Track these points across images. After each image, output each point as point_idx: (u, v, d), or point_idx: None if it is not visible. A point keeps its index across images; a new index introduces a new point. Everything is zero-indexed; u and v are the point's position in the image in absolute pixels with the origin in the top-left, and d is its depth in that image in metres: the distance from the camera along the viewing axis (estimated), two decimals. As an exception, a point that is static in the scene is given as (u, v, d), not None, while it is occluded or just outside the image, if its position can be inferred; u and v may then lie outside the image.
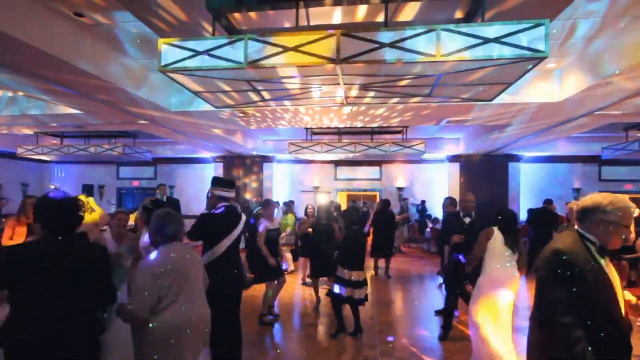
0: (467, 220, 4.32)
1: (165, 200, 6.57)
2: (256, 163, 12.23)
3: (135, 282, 2.13)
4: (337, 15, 3.44)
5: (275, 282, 4.77)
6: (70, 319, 1.84)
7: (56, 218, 1.92)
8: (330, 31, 2.69)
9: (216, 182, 3.44)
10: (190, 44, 2.89)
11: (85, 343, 1.89)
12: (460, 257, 4.01)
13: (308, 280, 6.56)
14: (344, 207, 8.19)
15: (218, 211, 3.29)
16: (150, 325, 2.08)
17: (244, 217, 3.40)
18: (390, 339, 4.29)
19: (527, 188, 11.45)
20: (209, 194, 3.39)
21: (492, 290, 3.29)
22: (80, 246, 1.96)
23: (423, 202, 11.85)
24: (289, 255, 7.56)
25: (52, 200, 1.95)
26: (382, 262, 7.72)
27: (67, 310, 1.83)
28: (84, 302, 1.91)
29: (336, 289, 4.19)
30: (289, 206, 7.20)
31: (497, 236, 3.34)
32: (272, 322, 4.72)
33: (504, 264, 3.30)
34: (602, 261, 1.73)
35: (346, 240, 4.33)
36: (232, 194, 3.44)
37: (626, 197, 1.75)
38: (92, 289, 1.95)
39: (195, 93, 3.68)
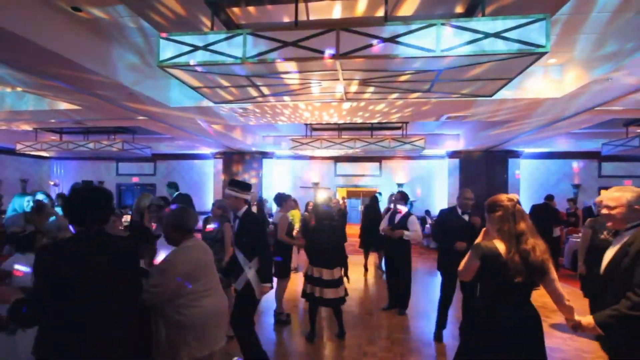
0: (465, 217, 4.09)
1: (176, 196, 6.54)
2: (255, 159, 12.22)
3: (162, 271, 2.18)
4: (336, 10, 3.42)
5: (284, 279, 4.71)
6: (115, 321, 1.71)
7: (79, 211, 1.78)
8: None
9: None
10: (189, 39, 2.87)
11: (129, 348, 1.77)
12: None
13: None
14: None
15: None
16: (189, 315, 2.20)
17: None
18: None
19: (527, 184, 11.46)
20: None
21: None
22: (111, 240, 1.81)
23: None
24: None
25: (74, 191, 1.85)
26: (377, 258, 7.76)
27: (112, 312, 1.70)
28: (126, 300, 1.79)
29: (308, 288, 4.04)
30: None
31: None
32: (288, 320, 4.65)
33: None
34: None
35: (317, 236, 4.07)
36: (235, 194, 3.28)
37: None
38: (130, 285, 1.84)
39: (194, 88, 3.66)
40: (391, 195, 6.85)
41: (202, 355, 2.24)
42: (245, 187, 3.27)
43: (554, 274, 2.00)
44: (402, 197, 5.12)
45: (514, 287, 1.96)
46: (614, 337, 2.02)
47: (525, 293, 2.02)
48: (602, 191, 11.06)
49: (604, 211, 2.17)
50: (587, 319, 1.99)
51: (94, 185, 1.98)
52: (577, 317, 2.02)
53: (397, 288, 5.15)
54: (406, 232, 4.82)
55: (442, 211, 4.58)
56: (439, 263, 4.32)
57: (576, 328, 2.03)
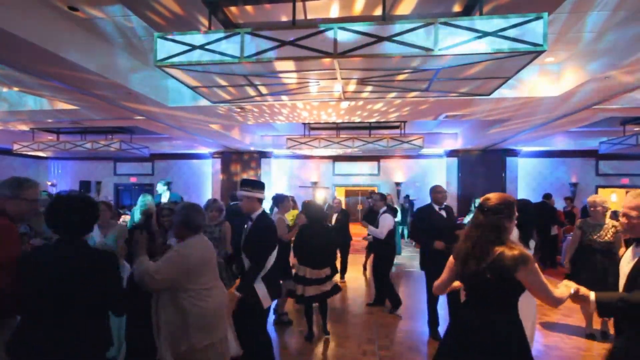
0: (443, 213, 4.09)
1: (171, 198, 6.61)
2: (254, 159, 12.21)
3: (167, 260, 2.19)
4: (334, 9, 3.41)
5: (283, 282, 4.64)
6: (77, 330, 1.72)
7: (61, 220, 1.79)
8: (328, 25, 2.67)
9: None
10: (187, 39, 2.86)
11: (91, 356, 1.78)
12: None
13: None
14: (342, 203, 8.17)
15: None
16: (192, 312, 2.22)
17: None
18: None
19: (525, 182, 11.49)
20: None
21: None
22: (87, 253, 1.82)
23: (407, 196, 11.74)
24: None
25: (56, 201, 1.84)
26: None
27: (74, 321, 1.72)
28: (91, 312, 1.78)
29: (300, 290, 3.95)
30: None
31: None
32: (290, 321, 4.58)
33: None
34: None
35: (311, 237, 3.97)
36: (249, 194, 3.07)
37: None
38: (101, 297, 1.81)
39: (192, 88, 3.65)
40: (388, 196, 6.94)
41: (202, 346, 2.25)
42: (259, 185, 3.05)
43: (533, 285, 1.76)
44: (381, 198, 5.37)
45: (483, 291, 1.82)
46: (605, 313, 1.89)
47: (505, 298, 1.82)
48: (599, 190, 11.12)
49: (623, 220, 1.87)
50: (585, 290, 1.78)
51: (77, 195, 1.95)
52: (572, 288, 1.82)
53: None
54: (370, 227, 5.11)
55: (419, 209, 4.49)
56: (421, 262, 4.28)
57: (575, 296, 1.81)
